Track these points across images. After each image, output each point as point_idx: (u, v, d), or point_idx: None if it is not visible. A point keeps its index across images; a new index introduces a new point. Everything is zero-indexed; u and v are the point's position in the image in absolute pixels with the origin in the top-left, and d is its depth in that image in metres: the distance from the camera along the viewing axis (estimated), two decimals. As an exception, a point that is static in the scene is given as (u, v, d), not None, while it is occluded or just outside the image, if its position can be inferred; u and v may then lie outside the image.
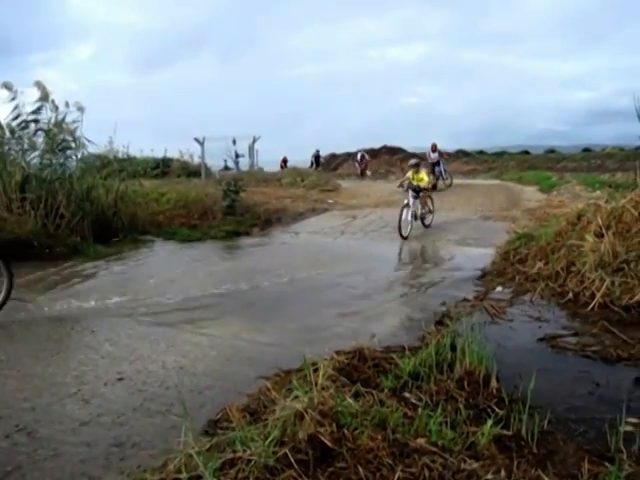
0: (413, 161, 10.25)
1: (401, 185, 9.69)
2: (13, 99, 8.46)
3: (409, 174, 9.72)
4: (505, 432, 2.33)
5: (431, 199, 10.17)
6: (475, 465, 1.61)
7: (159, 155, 19.92)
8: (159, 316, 4.64)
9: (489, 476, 1.57)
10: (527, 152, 33.60)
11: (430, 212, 10.03)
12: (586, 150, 31.14)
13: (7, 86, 8.46)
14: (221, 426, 2.48)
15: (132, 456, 2.33)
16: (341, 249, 8.20)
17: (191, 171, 18.89)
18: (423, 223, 9.67)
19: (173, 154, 20.60)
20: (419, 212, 9.44)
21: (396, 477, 1.51)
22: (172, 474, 1.70)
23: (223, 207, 10.45)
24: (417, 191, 9.29)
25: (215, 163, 19.56)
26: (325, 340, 3.82)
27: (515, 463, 1.91)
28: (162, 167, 19.19)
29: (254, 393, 2.81)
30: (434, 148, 18.35)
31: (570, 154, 30.12)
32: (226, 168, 18.90)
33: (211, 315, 4.71)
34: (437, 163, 18.14)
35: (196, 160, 19.92)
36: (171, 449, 2.13)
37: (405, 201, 9.13)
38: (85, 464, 2.26)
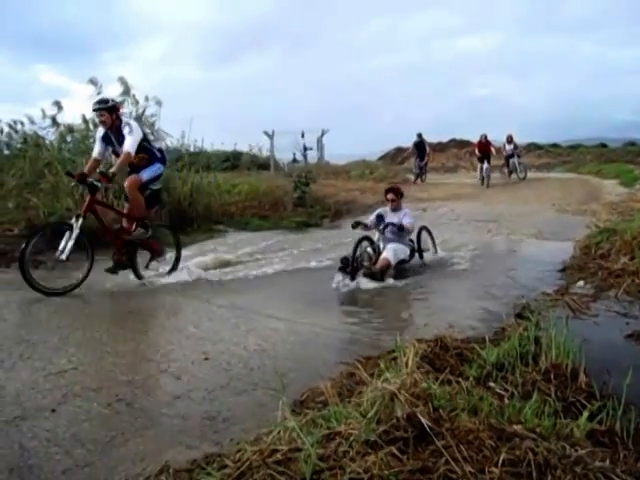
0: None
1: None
2: (98, 94, 8.90)
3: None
4: (598, 427, 2.26)
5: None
6: (582, 452, 1.58)
7: (229, 149, 20.43)
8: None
9: (597, 463, 1.54)
10: (604, 145, 32.12)
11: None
12: (670, 143, 29.39)
13: (93, 82, 8.93)
14: (307, 406, 2.55)
15: (224, 430, 2.43)
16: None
17: (260, 164, 19.29)
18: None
19: (242, 147, 21.09)
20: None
21: (501, 459, 1.50)
22: (270, 446, 1.76)
23: (293, 198, 10.63)
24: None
25: (283, 156, 19.88)
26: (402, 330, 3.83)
27: (615, 456, 1.85)
28: (232, 160, 19.68)
29: (337, 376, 2.87)
30: (509, 139, 17.86)
31: (652, 146, 28.50)
32: (294, 161, 19.15)
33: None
34: (511, 155, 17.67)
35: (265, 153, 20.30)
36: (263, 424, 2.21)
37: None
38: (182, 434, 2.38)
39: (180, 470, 1.93)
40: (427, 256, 6.79)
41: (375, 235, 6.37)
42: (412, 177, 18.41)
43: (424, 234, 6.89)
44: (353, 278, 5.53)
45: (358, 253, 5.67)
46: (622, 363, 2.95)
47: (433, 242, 7.02)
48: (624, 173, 17.49)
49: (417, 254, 6.63)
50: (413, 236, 6.64)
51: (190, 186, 9.51)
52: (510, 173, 17.92)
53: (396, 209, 6.44)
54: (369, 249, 5.98)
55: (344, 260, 5.57)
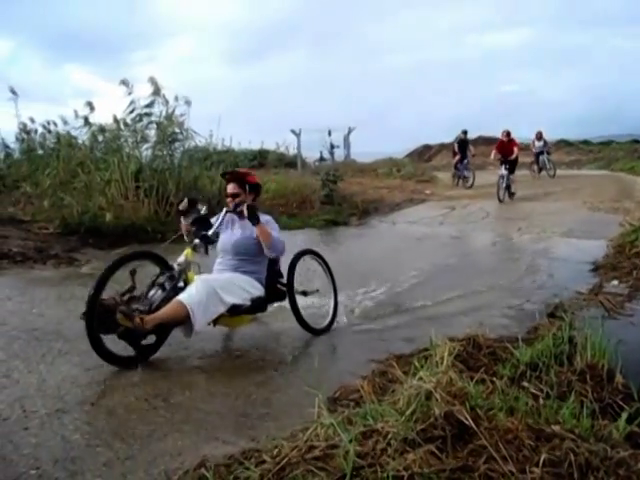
0: None
1: None
2: (129, 94, 9.06)
3: None
4: (637, 429, 2.23)
5: None
6: (624, 454, 1.56)
7: (256, 147, 20.53)
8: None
9: (639, 466, 1.52)
10: (637, 141, 31.37)
11: None
12: None
13: (124, 82, 9.07)
14: (340, 403, 2.57)
15: (259, 426, 2.47)
16: (442, 239, 8.06)
17: (287, 162, 19.35)
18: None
19: (269, 146, 21.16)
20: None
21: (542, 459, 1.50)
22: (307, 442, 1.78)
23: (321, 197, 10.64)
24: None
25: (310, 154, 19.90)
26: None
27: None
28: (259, 158, 19.78)
29: (370, 374, 2.88)
30: (539, 136, 17.52)
31: (687, 143, 27.72)
32: (321, 159, 19.16)
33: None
34: (541, 152, 17.35)
35: (292, 151, 20.36)
36: (298, 421, 2.24)
37: None
38: (217, 430, 2.43)
39: (219, 465, 1.96)
40: (312, 304, 4.37)
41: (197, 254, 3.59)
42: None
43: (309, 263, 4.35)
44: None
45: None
46: (661, 364, 2.90)
47: (332, 279, 4.28)
48: (658, 170, 17.09)
49: (286, 296, 3.84)
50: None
51: (219, 185, 9.60)
52: (540, 170, 17.59)
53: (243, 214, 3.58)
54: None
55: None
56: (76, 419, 2.52)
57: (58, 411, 2.60)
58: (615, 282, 5.11)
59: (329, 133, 18.68)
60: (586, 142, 32.31)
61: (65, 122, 9.63)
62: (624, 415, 2.19)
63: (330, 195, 10.71)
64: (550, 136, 18.53)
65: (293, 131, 19.09)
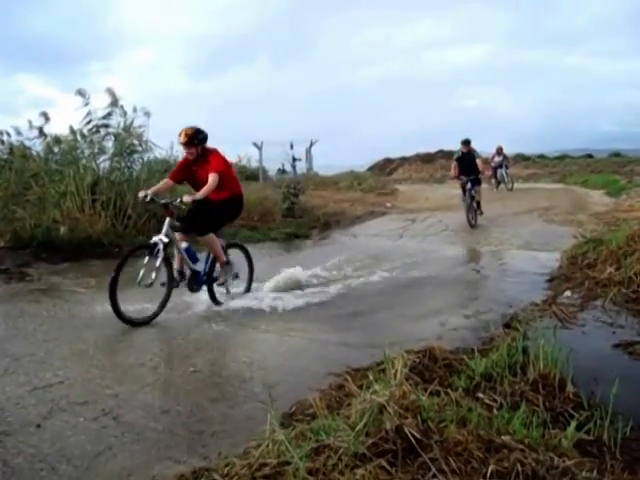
0: None
1: None
2: (86, 105, 8.87)
3: None
4: (586, 437, 2.27)
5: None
6: (569, 462, 1.58)
7: (217, 159, 20.27)
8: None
9: (584, 474, 1.54)
10: (590, 155, 32.50)
11: None
12: (655, 153, 29.76)
13: (81, 93, 8.88)
14: (296, 419, 2.53)
15: (212, 444, 2.41)
16: (402, 251, 8.13)
17: (249, 175, 19.24)
18: None
19: (231, 158, 21.00)
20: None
21: (489, 470, 1.50)
22: (259, 459, 1.75)
23: (282, 209, 10.61)
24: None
25: (272, 167, 19.86)
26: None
27: (603, 466, 1.86)
28: (221, 171, 19.53)
29: (326, 388, 2.85)
30: (499, 151, 17.96)
31: (637, 157, 28.83)
32: (283, 172, 19.14)
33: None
34: (500, 166, 17.76)
35: (254, 164, 20.27)
36: (251, 438, 2.20)
37: None
38: (169, 449, 2.36)
39: (168, 485, 1.91)
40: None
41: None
42: (400, 188, 17.33)
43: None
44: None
45: None
46: (609, 373, 2.97)
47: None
48: (610, 183, 17.70)
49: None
50: None
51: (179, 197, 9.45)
52: (498, 184, 18.03)
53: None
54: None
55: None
56: (20, 442, 2.42)
57: (0, 434, 2.48)
58: (568, 293, 5.23)
59: (291, 146, 18.70)
60: (542, 156, 33.23)
61: (19, 132, 9.34)
62: (573, 423, 2.23)
63: (291, 208, 10.70)
64: (508, 150, 19.02)
65: (255, 144, 19.03)
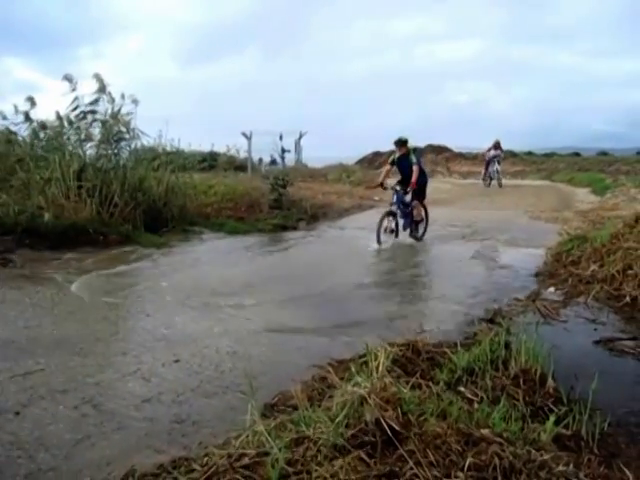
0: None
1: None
2: (73, 90, 8.75)
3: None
4: (564, 431, 2.30)
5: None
6: (546, 456, 1.59)
7: (206, 149, 20.24)
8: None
9: (560, 468, 1.56)
10: (577, 154, 32.77)
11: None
12: (641, 153, 30.09)
13: (68, 78, 8.75)
14: (278, 409, 2.53)
15: (193, 433, 2.40)
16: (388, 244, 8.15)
17: (237, 165, 19.16)
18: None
19: (220, 148, 20.91)
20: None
21: (467, 463, 1.51)
22: (238, 450, 1.74)
23: (270, 201, 10.57)
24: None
25: (262, 157, 19.78)
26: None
27: (580, 460, 1.88)
28: (209, 161, 19.51)
29: (309, 379, 2.86)
30: (497, 145, 17.90)
31: (623, 156, 29.12)
32: (272, 163, 19.07)
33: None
34: (492, 161, 17.70)
35: (242, 154, 20.20)
36: (232, 428, 2.20)
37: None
38: (149, 438, 2.35)
39: (147, 474, 1.90)
40: None
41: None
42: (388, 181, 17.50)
43: None
44: None
45: None
46: (589, 368, 3.01)
47: None
48: (596, 182, 17.86)
49: None
50: None
51: (165, 186, 9.40)
52: (490, 180, 17.96)
53: None
54: None
55: None
56: (-3, 429, 2.39)
57: (-22, 421, 2.46)
58: (552, 289, 5.28)
59: (280, 137, 18.60)
60: (530, 153, 33.44)
61: (4, 117, 9.19)
62: (552, 418, 2.25)
63: (279, 199, 10.66)
64: (497, 146, 18.93)
65: (244, 134, 18.94)
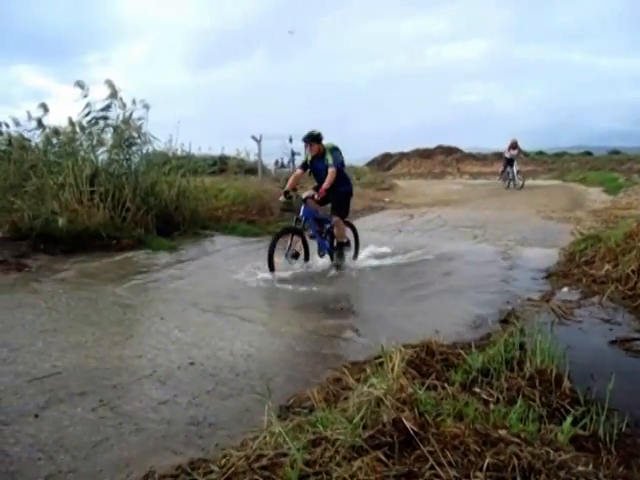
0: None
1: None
2: (85, 96, 8.85)
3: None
4: (582, 432, 2.29)
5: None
6: (565, 457, 1.59)
7: (216, 153, 20.34)
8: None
9: (580, 468, 1.55)
10: (589, 153, 32.56)
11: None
12: (654, 151, 29.84)
13: (80, 84, 8.85)
14: (293, 411, 2.55)
15: (210, 435, 2.42)
16: (400, 245, 8.13)
17: (247, 168, 19.25)
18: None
19: (230, 152, 21.01)
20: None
21: (486, 463, 1.51)
22: (256, 451, 1.76)
23: (281, 203, 10.60)
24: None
25: (271, 161, 19.83)
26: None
27: (598, 461, 1.87)
28: (219, 164, 19.59)
29: (323, 381, 2.87)
30: (514, 145, 17.29)
31: (636, 155, 28.87)
32: (282, 166, 19.10)
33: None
34: (511, 162, 17.15)
35: (252, 158, 20.26)
36: (248, 430, 2.21)
37: None
38: (167, 440, 2.37)
39: (165, 476, 1.92)
40: None
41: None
42: (399, 183, 17.37)
43: None
44: None
45: None
46: (605, 369, 2.99)
47: None
48: (608, 181, 17.72)
49: None
50: None
51: (177, 190, 9.47)
52: (509, 182, 17.40)
53: None
54: None
55: None
56: (17, 431, 2.43)
57: (-1, 423, 2.49)
58: (566, 289, 5.26)
59: (290, 140, 18.64)
60: (541, 153, 33.30)
61: (17, 124, 9.32)
62: (569, 418, 2.24)
63: (290, 202, 10.69)
64: (506, 147, 18.68)
65: (254, 137, 19.01)
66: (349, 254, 6.88)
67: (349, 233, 6.92)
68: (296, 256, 6.29)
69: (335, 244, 6.63)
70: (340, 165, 6.50)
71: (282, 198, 6.69)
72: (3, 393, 2.82)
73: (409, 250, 7.52)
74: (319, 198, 6.27)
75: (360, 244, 7.12)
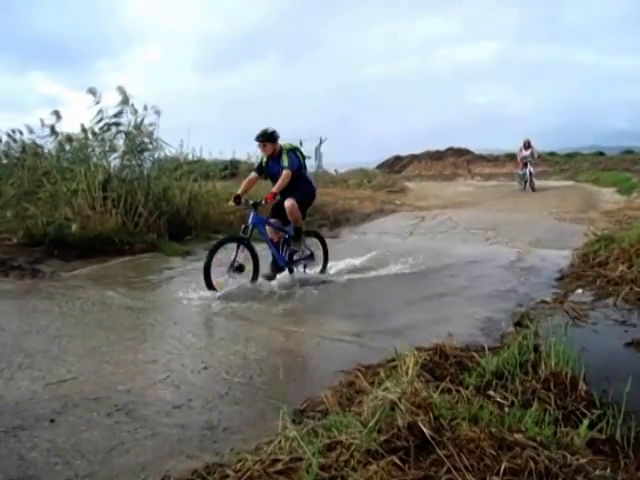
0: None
1: None
2: (97, 103, 8.93)
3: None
4: (598, 435, 2.26)
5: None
6: (582, 460, 1.58)
7: (227, 157, 20.38)
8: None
9: (597, 472, 1.54)
10: (601, 153, 32.25)
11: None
12: (668, 151, 29.50)
13: (92, 91, 8.94)
14: (307, 415, 2.55)
15: (224, 439, 2.43)
16: (412, 249, 8.11)
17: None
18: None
19: (241, 156, 21.06)
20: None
21: (502, 467, 1.50)
22: (271, 455, 1.76)
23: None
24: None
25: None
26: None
27: (616, 465, 1.86)
28: (230, 169, 19.64)
29: (337, 385, 2.87)
30: (527, 145, 16.99)
31: (649, 155, 28.58)
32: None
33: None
34: (526, 163, 16.82)
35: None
36: (263, 434, 2.22)
37: None
38: (182, 444, 2.38)
39: (181, 480, 1.93)
40: None
41: None
42: (410, 185, 17.39)
43: None
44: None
45: None
46: (621, 371, 2.96)
47: None
48: (621, 181, 17.54)
49: None
50: None
51: (188, 195, 9.53)
52: (525, 183, 16.94)
53: None
54: None
55: None
56: (34, 436, 2.45)
57: (15, 428, 2.52)
58: (580, 291, 5.22)
59: (300, 143, 18.67)
60: (553, 154, 33.02)
61: (31, 131, 9.44)
62: (585, 422, 2.22)
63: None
64: (517, 148, 18.46)
65: (264, 141, 19.04)
66: (317, 268, 6.28)
67: (317, 246, 6.29)
68: (241, 269, 5.45)
69: (292, 231, 5.82)
70: (298, 168, 5.80)
71: (231, 203, 5.86)
72: (19, 398, 2.85)
73: (418, 253, 7.48)
74: (265, 203, 5.55)
75: (360, 249, 7.11)
